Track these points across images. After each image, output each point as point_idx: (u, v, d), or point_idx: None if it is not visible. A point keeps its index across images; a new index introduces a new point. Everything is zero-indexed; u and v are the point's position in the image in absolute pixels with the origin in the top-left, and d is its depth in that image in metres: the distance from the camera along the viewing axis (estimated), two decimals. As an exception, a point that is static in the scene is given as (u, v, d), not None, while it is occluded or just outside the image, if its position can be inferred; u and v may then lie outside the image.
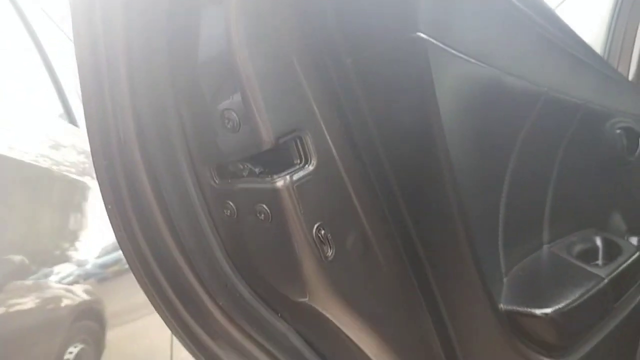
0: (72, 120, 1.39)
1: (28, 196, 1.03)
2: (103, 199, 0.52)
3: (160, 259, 0.53)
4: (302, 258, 0.50)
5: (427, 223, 0.58)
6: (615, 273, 0.68)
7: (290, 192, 0.48)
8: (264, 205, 0.49)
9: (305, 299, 0.53)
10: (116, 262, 1.32)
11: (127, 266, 1.40)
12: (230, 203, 0.51)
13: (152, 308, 1.46)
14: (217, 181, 0.51)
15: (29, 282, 1.01)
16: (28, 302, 0.99)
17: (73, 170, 1.20)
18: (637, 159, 0.86)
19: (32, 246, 1.03)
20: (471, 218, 0.58)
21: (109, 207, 0.52)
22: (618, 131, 0.83)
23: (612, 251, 0.73)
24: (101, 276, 1.30)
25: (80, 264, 1.21)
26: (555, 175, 0.74)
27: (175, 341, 1.47)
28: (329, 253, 0.50)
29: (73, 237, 1.21)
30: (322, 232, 0.50)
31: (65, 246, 1.18)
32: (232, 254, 0.54)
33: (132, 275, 1.46)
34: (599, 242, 0.76)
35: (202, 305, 0.54)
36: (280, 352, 0.58)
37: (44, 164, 1.08)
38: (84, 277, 1.20)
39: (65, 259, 1.15)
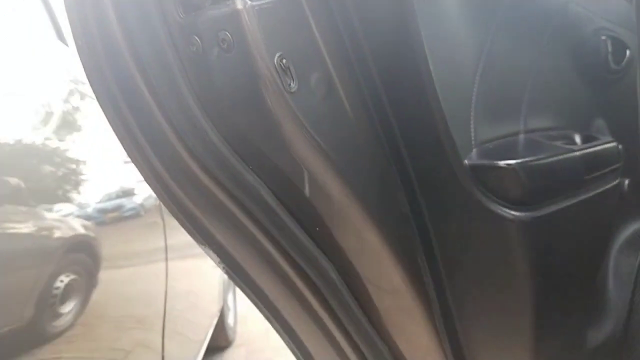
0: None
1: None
2: (73, 36, 0.54)
3: (129, 98, 0.55)
4: (264, 87, 0.51)
5: (394, 77, 0.58)
6: (587, 150, 0.68)
7: (250, 14, 0.49)
8: (227, 32, 0.51)
9: (273, 143, 0.54)
10: (117, 208, 1.34)
11: (126, 214, 1.42)
12: (196, 38, 0.53)
13: (148, 257, 1.47)
14: (182, 15, 0.53)
15: (23, 208, 1.03)
16: (19, 227, 1.01)
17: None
18: (623, 69, 0.86)
19: (33, 179, 1.04)
20: (441, 80, 0.59)
21: (79, 43, 0.54)
22: (603, 37, 0.83)
23: (589, 140, 0.74)
24: (100, 220, 1.32)
25: (81, 206, 1.23)
26: (535, 67, 0.74)
27: (169, 291, 1.48)
28: (292, 85, 0.52)
29: (76, 179, 1.24)
30: (284, 61, 0.52)
31: (67, 187, 1.20)
32: (200, 94, 0.55)
33: (131, 223, 1.48)
34: (577, 137, 0.76)
35: (169, 146, 0.56)
36: (252, 203, 0.59)
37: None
38: (84, 218, 1.22)
39: (66, 199, 1.17)
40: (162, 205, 1.54)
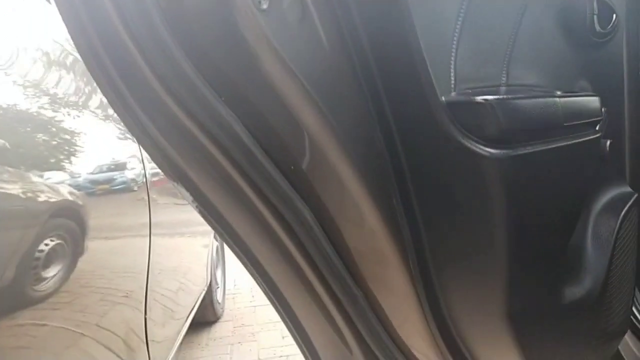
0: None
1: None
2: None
3: (95, 21, 0.54)
4: (234, 5, 0.51)
5: (372, 10, 0.58)
6: (568, 98, 0.67)
7: None
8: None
9: (241, 65, 0.53)
10: (108, 181, 1.34)
11: (117, 187, 1.42)
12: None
13: (135, 231, 1.46)
14: None
15: (10, 169, 1.03)
16: (7, 187, 1.00)
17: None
18: (609, 33, 0.85)
19: (26, 145, 1.04)
20: (421, 19, 0.58)
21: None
22: (590, -1, 0.83)
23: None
24: (91, 191, 1.31)
25: (72, 175, 1.22)
26: (519, 24, 0.73)
27: (153, 266, 1.47)
28: (262, 2, 0.51)
29: (70, 149, 1.23)
30: (256, -23, 0.51)
31: (60, 157, 1.20)
32: (170, 19, 0.54)
33: (121, 197, 1.47)
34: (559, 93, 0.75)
35: (138, 72, 0.54)
36: (225, 138, 0.58)
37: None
38: (74, 187, 1.21)
39: (58, 167, 1.17)
40: (148, 182, 1.56)
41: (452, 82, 0.64)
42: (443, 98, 0.58)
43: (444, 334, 0.70)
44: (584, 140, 0.68)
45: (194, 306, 2.09)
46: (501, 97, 0.58)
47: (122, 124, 1.08)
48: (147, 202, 1.50)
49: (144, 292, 1.36)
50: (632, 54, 0.95)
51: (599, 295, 0.83)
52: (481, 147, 0.57)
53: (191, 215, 2.11)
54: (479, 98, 0.57)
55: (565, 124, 0.64)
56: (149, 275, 1.42)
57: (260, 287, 0.70)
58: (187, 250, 1.99)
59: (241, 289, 3.64)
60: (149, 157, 1.54)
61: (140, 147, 1.41)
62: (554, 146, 0.63)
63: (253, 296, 3.40)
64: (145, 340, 1.34)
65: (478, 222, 0.61)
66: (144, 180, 1.52)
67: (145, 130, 0.58)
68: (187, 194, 0.62)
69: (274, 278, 0.68)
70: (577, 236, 0.90)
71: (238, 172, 0.60)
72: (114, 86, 0.55)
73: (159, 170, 1.80)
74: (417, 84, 0.57)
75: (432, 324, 0.68)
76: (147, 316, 1.37)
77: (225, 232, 0.65)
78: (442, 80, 0.62)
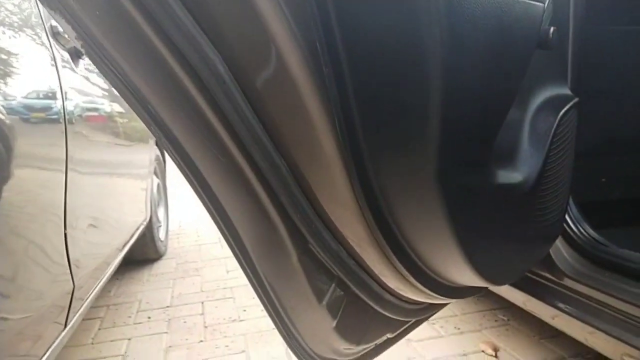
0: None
1: None
2: None
3: None
4: None
5: None
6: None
7: None
8: None
9: None
10: (44, 109, 1.21)
11: (52, 117, 1.28)
12: None
13: (62, 165, 1.31)
14: None
15: None
16: None
17: None
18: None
19: None
20: None
21: None
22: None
23: None
24: (25, 116, 1.17)
25: (5, 96, 1.08)
26: None
27: (78, 200, 1.36)
28: None
29: (5, 69, 1.09)
30: None
31: None
32: None
33: (55, 128, 1.32)
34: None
35: None
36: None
37: None
38: (7, 109, 1.07)
39: None
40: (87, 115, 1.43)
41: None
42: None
43: (373, 208, 0.66)
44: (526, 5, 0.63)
45: (130, 239, 2.00)
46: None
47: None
48: (81, 136, 1.38)
49: (62, 222, 1.25)
50: None
51: (533, 187, 0.81)
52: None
53: (131, 156, 2.01)
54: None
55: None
56: (67, 207, 1.30)
57: (171, 158, 0.63)
58: (122, 185, 1.89)
59: (186, 230, 3.56)
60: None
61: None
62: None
63: (198, 236, 3.34)
64: (67, 262, 1.24)
65: (411, 85, 0.55)
66: (83, 114, 1.41)
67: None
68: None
69: (186, 147, 0.60)
70: (514, 126, 0.87)
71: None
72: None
73: (97, 106, 1.68)
74: None
75: (360, 198, 0.63)
76: (70, 248, 1.27)
77: (132, 95, 0.56)
78: None
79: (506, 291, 1.49)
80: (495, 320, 1.77)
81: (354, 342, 0.75)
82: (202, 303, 2.15)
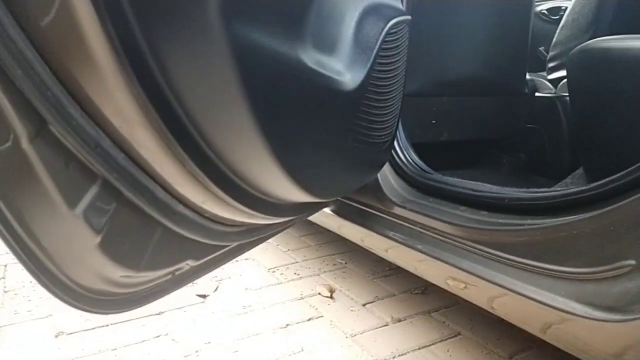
0: None
1: None
2: None
3: None
4: None
5: None
6: None
7: None
8: None
9: None
10: None
11: None
12: None
13: None
14: None
15: None
16: None
17: None
18: None
19: None
20: None
21: None
22: None
23: None
24: None
25: None
26: None
27: None
28: None
29: None
30: None
31: None
32: None
33: None
34: None
35: None
36: None
37: None
38: None
39: None
40: None
41: None
42: None
43: (160, 109, 0.50)
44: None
45: None
46: None
47: None
48: None
49: None
50: None
51: (357, 91, 0.72)
52: None
53: None
54: None
55: None
56: None
57: None
58: None
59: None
60: None
61: None
62: None
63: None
64: None
65: None
66: None
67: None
68: None
69: None
70: (339, 20, 0.77)
71: None
72: None
73: None
74: None
75: (139, 96, 0.46)
76: None
77: None
78: None
79: (345, 230, 1.46)
80: (334, 264, 1.75)
81: (132, 267, 0.59)
82: (5, 266, 1.79)
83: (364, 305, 1.44)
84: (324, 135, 0.73)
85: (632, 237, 0.61)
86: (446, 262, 0.90)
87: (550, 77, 1.77)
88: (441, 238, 0.93)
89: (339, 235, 2.09)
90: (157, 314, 1.40)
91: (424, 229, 0.98)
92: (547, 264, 0.72)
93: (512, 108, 1.62)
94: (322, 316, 1.37)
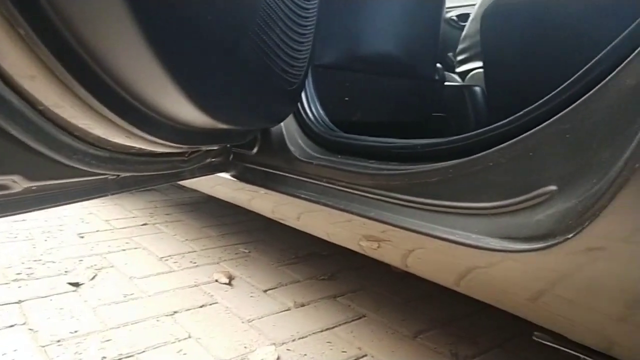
0: None
1: None
2: None
3: None
4: None
5: None
6: None
7: None
8: None
9: None
10: None
11: None
12: None
13: None
14: None
15: None
16: None
17: None
18: None
19: None
20: None
21: None
22: None
23: None
24: None
25: None
26: None
27: None
28: None
29: None
30: None
31: None
32: None
33: None
34: None
35: None
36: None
37: None
38: None
39: None
40: None
41: None
42: None
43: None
44: None
45: None
46: None
47: None
48: None
49: None
50: None
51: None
52: None
53: None
54: None
55: None
56: None
57: None
58: None
59: None
60: None
61: None
62: None
63: None
64: None
65: None
66: None
67: None
68: None
69: None
70: None
71: None
72: None
73: None
74: None
75: None
76: None
77: None
78: None
79: (255, 202, 1.33)
80: (236, 253, 1.60)
81: None
82: None
83: (265, 291, 1.31)
84: (221, 44, 0.61)
85: (553, 162, 0.56)
86: (357, 214, 0.81)
87: (459, 69, 1.80)
88: (351, 190, 0.84)
89: (243, 226, 1.94)
90: (15, 303, 1.15)
91: (332, 183, 0.89)
92: (462, 202, 0.65)
93: (424, 92, 1.61)
94: (216, 302, 1.22)
